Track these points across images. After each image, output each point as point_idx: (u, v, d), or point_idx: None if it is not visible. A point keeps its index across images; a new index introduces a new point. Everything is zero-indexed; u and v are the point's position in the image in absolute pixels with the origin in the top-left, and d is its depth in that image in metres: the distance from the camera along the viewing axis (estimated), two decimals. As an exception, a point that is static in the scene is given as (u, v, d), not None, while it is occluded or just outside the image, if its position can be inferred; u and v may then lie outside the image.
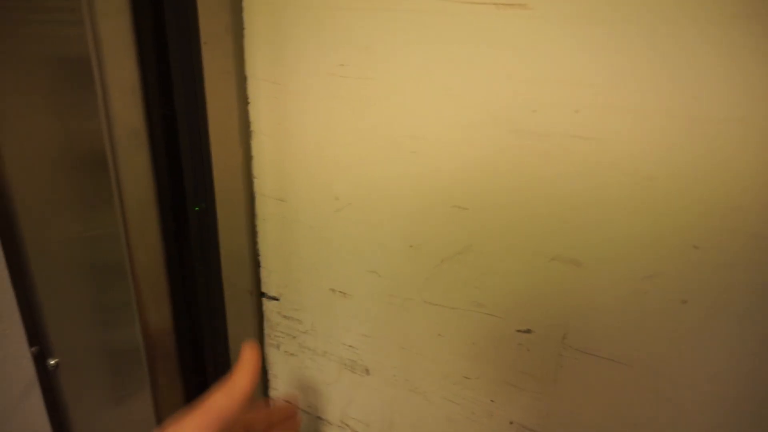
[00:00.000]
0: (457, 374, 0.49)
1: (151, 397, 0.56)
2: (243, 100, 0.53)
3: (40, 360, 0.61)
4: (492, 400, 0.48)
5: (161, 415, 0.57)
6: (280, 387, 0.64)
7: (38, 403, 0.60)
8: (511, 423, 0.48)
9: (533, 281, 0.42)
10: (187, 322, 0.57)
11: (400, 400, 0.54)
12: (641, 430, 0.41)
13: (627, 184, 0.36)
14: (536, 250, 0.41)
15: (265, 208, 0.56)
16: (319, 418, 0.62)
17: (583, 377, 0.42)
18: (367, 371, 0.55)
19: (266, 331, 0.62)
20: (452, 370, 0.49)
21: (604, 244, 0.38)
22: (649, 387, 0.40)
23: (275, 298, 0.59)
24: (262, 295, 0.60)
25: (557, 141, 0.38)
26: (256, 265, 0.59)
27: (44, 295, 0.60)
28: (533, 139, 0.39)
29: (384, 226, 0.48)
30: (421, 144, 0.43)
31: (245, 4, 0.49)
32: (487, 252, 0.43)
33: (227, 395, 0.41)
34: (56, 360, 0.61)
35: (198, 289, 0.58)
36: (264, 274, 0.59)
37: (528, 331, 0.44)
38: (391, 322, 0.51)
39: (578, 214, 0.38)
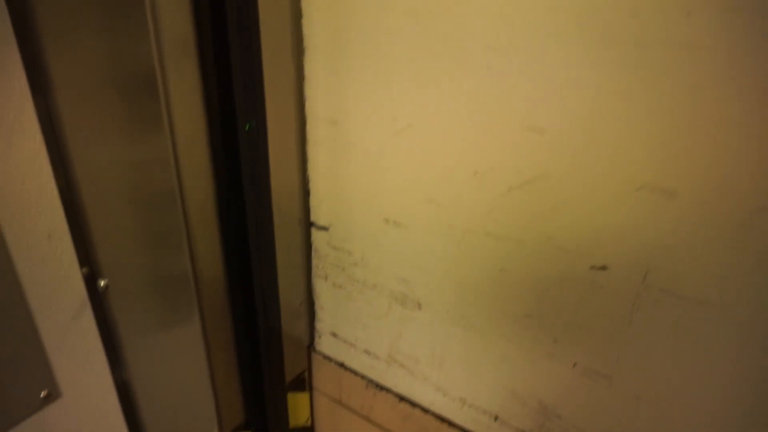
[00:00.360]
0: (519, 312, 0.46)
1: (199, 324, 0.55)
2: (297, 13, 0.49)
3: (90, 281, 0.61)
4: (555, 341, 0.45)
5: (210, 342, 0.57)
6: (327, 319, 0.63)
7: (90, 323, 0.60)
8: (574, 365, 0.45)
9: (615, 213, 0.38)
10: (237, 250, 0.55)
11: (453, 337, 0.52)
12: (723, 379, 0.38)
13: (747, 98, 0.31)
14: (623, 178, 0.37)
15: (316, 131, 0.52)
16: (366, 351, 0.61)
17: (664, 319, 0.39)
18: (419, 305, 0.53)
19: (314, 262, 0.60)
20: (513, 307, 0.46)
21: (709, 170, 0.33)
22: (743, 332, 0.36)
23: (324, 228, 0.57)
24: (312, 224, 0.58)
25: (660, 50, 0.33)
26: (305, 193, 0.56)
27: (94, 218, 0.60)
28: (630, 49, 0.33)
29: (446, 151, 0.44)
30: (495, 57, 0.39)
31: None
32: (564, 180, 0.39)
33: None
34: (106, 281, 0.61)
35: (248, 216, 0.56)
36: (314, 202, 0.56)
37: (603, 268, 0.40)
38: (449, 255, 0.48)
39: (681, 137, 0.34)
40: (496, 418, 0.53)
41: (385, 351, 0.59)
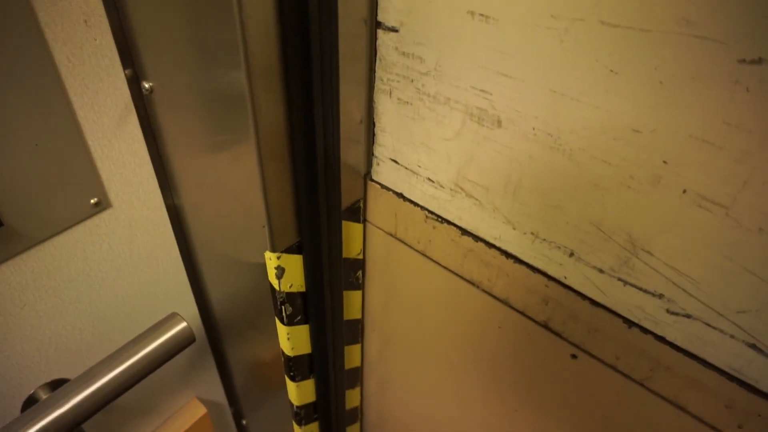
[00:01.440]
0: (624, 126, 0.38)
1: (255, 139, 0.50)
2: None
3: (134, 83, 0.56)
4: (665, 161, 0.38)
5: (264, 160, 0.52)
6: (388, 143, 0.57)
7: (135, 126, 0.57)
8: (684, 192, 0.38)
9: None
10: (296, 59, 0.48)
11: (534, 161, 0.45)
12: None
13: None
14: None
15: None
16: (430, 180, 0.55)
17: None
18: (498, 122, 0.46)
19: (378, 73, 0.53)
20: (618, 120, 0.39)
21: None
22: None
23: (394, 29, 0.49)
24: (379, 25, 0.49)
25: None
26: (374, -17, 0.47)
27: (136, 17, 0.53)
28: None
29: None
30: None
31: None
32: (729, -66, 0.29)
33: None
34: (151, 84, 0.56)
35: (310, 19, 0.48)
36: (383, -5, 0.47)
37: (759, 62, 0.31)
38: (547, 54, 0.40)
39: None
40: (571, 254, 0.48)
41: (451, 178, 0.53)
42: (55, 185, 0.55)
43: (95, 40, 0.51)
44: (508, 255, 0.53)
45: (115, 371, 0.62)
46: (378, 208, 0.63)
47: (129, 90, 0.55)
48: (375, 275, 0.72)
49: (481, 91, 0.45)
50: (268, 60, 0.43)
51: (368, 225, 0.66)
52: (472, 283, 0.58)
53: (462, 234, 0.56)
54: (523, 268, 0.52)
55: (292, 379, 0.70)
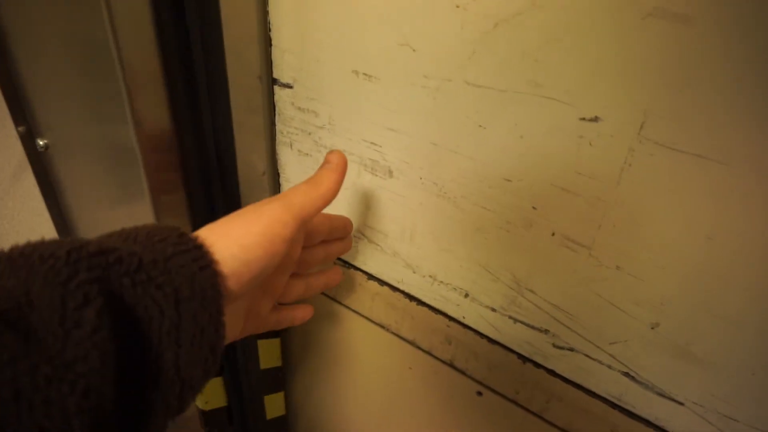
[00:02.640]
0: (497, 176, 0.42)
1: (150, 204, 0.50)
2: None
3: (28, 140, 0.55)
4: (534, 207, 0.41)
5: (161, 218, 0.52)
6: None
7: (31, 183, 0.55)
8: (553, 234, 0.41)
9: (614, 50, 0.32)
10: (188, 117, 0.49)
11: (424, 207, 0.48)
12: (719, 238, 0.34)
13: None
14: (625, 2, 0.31)
15: (277, -36, 0.45)
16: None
17: (657, 178, 0.34)
18: (390, 172, 0.48)
19: (278, 126, 0.54)
20: (491, 170, 0.42)
21: (736, -18, 0.27)
22: (748, 190, 0.32)
23: (288, 86, 0.51)
24: (275, 81, 0.51)
25: None
26: (267, 42, 0.49)
27: (28, 75, 0.53)
28: None
29: (425, -20, 0.38)
30: None
31: None
32: (560, 10, 0.33)
33: (311, 191, 0.39)
34: (46, 141, 0.55)
35: (197, 75, 0.49)
36: (276, 54, 0.50)
37: (595, 120, 0.35)
38: (423, 110, 0.43)
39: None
40: (466, 295, 0.50)
41: (354, 226, 0.55)
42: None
43: (-17, 98, 0.50)
44: (411, 297, 0.55)
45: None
46: (288, 255, 0.64)
47: (22, 145, 0.54)
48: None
49: (372, 143, 0.48)
50: (157, 116, 0.44)
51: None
52: (381, 326, 0.60)
53: (368, 279, 0.57)
54: (426, 309, 0.54)
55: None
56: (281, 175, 0.58)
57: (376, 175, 0.49)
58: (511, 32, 0.35)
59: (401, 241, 0.52)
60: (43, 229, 0.59)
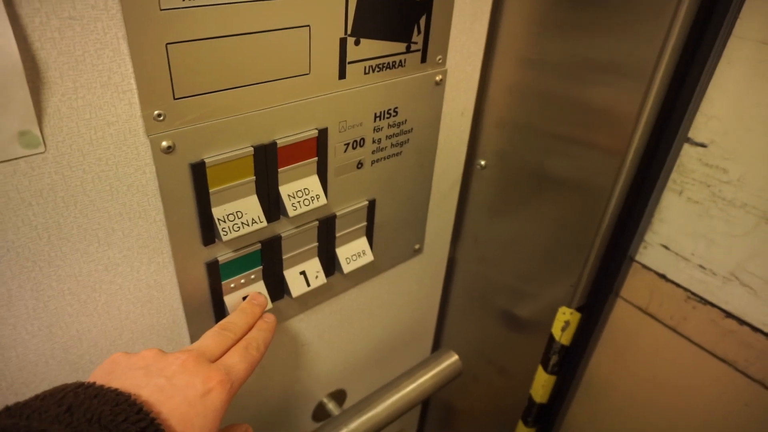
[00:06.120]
0: None
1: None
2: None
3: (468, 163, 0.72)
4: None
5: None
6: (663, 231, 0.68)
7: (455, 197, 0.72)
8: None
9: None
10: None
11: (830, 263, 0.55)
12: None
13: None
14: None
15: None
16: (701, 266, 0.66)
17: None
18: (797, 229, 0.56)
19: (672, 176, 0.65)
20: None
21: None
22: None
23: (702, 145, 0.61)
24: (688, 140, 0.62)
25: None
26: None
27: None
28: None
29: None
30: None
31: None
32: None
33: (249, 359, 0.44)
34: (484, 162, 0.71)
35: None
36: (699, 119, 0.60)
37: None
38: None
39: None
40: None
41: (727, 268, 0.63)
42: (397, 237, 0.70)
43: (462, 129, 0.68)
44: (775, 340, 0.61)
45: (395, 397, 0.71)
46: (635, 284, 0.74)
47: (463, 168, 0.72)
48: (613, 341, 0.81)
49: (784, 201, 0.56)
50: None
51: (618, 299, 0.76)
52: (725, 362, 0.67)
53: (726, 316, 0.65)
54: (789, 352, 0.60)
55: (526, 424, 0.79)
56: (655, 215, 0.68)
57: (779, 229, 0.57)
58: None
59: (785, 289, 0.59)
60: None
